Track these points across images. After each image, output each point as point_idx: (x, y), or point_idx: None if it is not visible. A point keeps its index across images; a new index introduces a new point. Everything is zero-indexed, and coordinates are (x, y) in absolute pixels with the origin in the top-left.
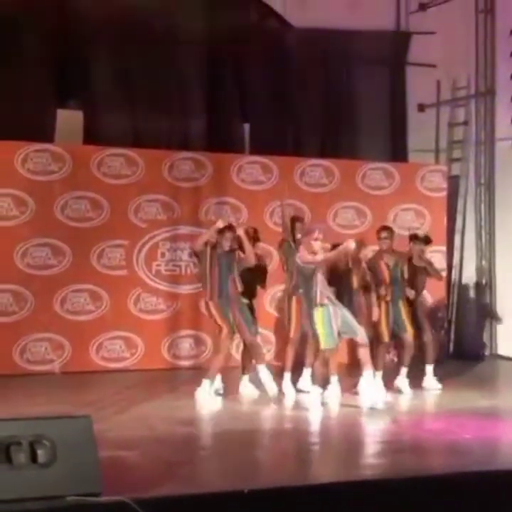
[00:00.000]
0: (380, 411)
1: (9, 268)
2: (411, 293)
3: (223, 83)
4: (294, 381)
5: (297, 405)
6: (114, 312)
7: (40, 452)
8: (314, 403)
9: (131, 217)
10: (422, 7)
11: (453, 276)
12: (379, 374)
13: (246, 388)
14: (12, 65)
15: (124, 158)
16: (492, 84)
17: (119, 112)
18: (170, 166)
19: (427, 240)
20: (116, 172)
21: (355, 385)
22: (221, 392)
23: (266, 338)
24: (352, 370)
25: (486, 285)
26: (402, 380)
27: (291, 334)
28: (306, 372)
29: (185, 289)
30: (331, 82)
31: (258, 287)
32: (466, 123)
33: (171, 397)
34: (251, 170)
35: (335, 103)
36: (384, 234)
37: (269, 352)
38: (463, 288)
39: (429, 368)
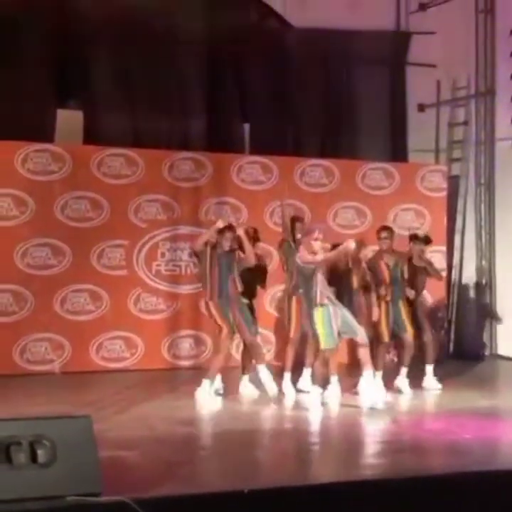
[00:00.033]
0: (380, 411)
1: (9, 268)
2: (411, 293)
3: (223, 83)
4: (294, 381)
5: (297, 405)
6: (114, 312)
7: (40, 452)
8: (314, 403)
9: (131, 217)
10: (422, 7)
11: (453, 277)
12: (379, 374)
13: (246, 388)
14: (12, 65)
15: (124, 158)
16: (492, 84)
17: (119, 112)
18: (170, 166)
19: (427, 240)
20: (117, 172)
21: (355, 385)
22: (221, 392)
23: (266, 338)
24: (352, 370)
25: (486, 285)
26: (402, 380)
27: (291, 334)
28: (306, 372)
29: (185, 289)
30: (331, 82)
31: (258, 287)
32: (466, 123)
33: (171, 397)
34: (251, 170)
35: (335, 103)
36: (384, 234)
37: (269, 352)
38: (463, 288)
39: (429, 368)
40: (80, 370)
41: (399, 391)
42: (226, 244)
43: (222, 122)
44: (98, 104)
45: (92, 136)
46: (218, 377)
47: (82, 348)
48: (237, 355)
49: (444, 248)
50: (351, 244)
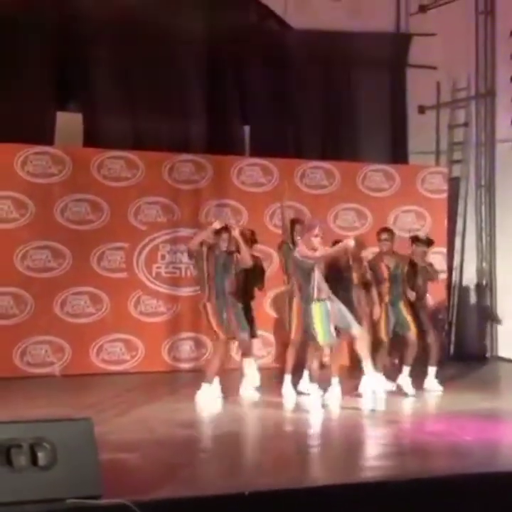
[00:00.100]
0: (381, 413)
1: (9, 271)
2: (412, 295)
3: (223, 84)
4: (295, 383)
5: (298, 407)
6: (115, 315)
7: (40, 455)
8: (315, 405)
9: (131, 220)
10: (422, 9)
11: (453, 278)
12: (379, 374)
13: (246, 391)
14: (12, 65)
15: (124, 160)
16: (492, 85)
17: (119, 113)
18: (170, 168)
19: (429, 242)
20: (117, 174)
21: (356, 387)
22: (221, 394)
23: (266, 339)
24: (353, 372)
25: (486, 287)
26: (404, 379)
27: (292, 336)
28: (307, 374)
29: (186, 291)
30: (332, 84)
31: (255, 289)
32: (466, 124)
33: (171, 399)
34: (251, 172)
35: (335, 104)
36: (384, 236)
37: (269, 354)
38: (463, 290)
39: (432, 370)
40: (80, 373)
41: (401, 390)
42: (223, 245)
43: (222, 123)
44: (98, 105)
45: (92, 138)
46: (217, 380)
47: (82, 350)
48: (236, 357)
49: (444, 250)
50: (351, 242)
